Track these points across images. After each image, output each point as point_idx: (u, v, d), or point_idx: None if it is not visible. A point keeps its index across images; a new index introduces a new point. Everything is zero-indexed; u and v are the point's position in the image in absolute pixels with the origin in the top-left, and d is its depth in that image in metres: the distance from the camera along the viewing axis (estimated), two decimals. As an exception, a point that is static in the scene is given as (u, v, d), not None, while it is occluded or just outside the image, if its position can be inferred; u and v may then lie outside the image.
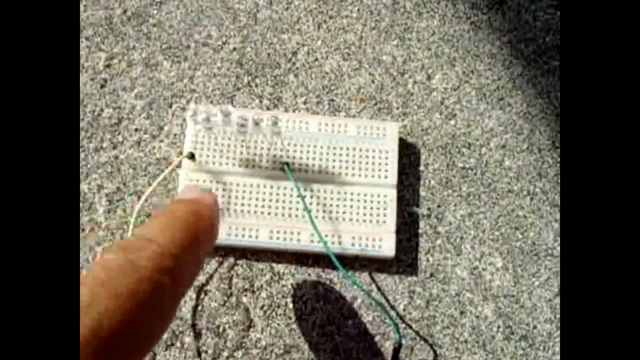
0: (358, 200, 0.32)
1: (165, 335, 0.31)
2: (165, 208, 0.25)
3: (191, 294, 0.32)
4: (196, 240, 0.24)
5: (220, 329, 0.31)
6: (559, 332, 0.32)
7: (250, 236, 0.32)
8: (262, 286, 0.32)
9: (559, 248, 0.34)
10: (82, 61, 0.36)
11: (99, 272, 0.20)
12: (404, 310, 0.32)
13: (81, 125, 0.34)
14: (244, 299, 0.32)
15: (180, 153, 0.34)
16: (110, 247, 0.22)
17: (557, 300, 0.33)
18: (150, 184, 0.34)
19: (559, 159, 0.35)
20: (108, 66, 0.36)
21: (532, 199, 0.34)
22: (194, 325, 0.31)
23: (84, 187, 0.33)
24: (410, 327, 0.32)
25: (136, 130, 0.35)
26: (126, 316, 0.19)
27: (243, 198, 0.32)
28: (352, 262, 0.33)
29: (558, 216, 0.34)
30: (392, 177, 0.33)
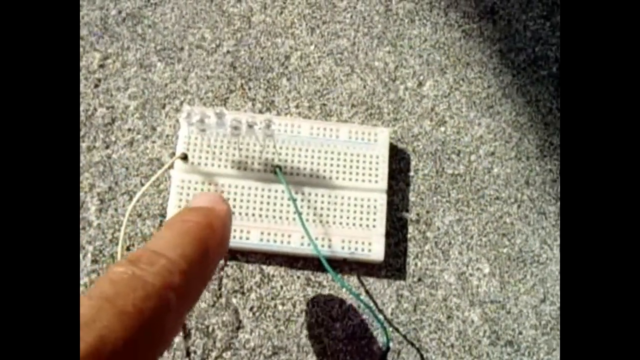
0: (348, 204, 0.33)
1: (154, 335, 0.31)
2: (177, 217, 0.24)
3: (181, 294, 0.32)
4: (206, 255, 0.23)
5: (210, 330, 0.32)
6: (544, 338, 0.33)
7: (241, 237, 0.32)
8: (251, 288, 0.32)
9: (544, 255, 0.34)
10: (76, 60, 0.36)
11: (106, 286, 0.20)
12: (392, 314, 0.33)
13: (74, 124, 0.34)
14: (234, 300, 0.32)
15: (173, 154, 0.34)
16: (120, 261, 0.21)
17: (543, 307, 0.33)
18: (142, 184, 0.34)
19: (548, 167, 0.36)
20: (102, 66, 0.36)
21: (519, 206, 0.35)
22: (183, 326, 0.32)
23: (75, 186, 0.33)
24: (398, 331, 0.32)
25: (129, 130, 0.35)
26: (129, 333, 0.19)
27: (235, 200, 0.32)
28: (341, 266, 0.33)
29: (545, 223, 0.35)
30: (383, 182, 0.33)
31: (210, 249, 0.23)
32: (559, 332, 0.33)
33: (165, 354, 0.31)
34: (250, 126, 0.31)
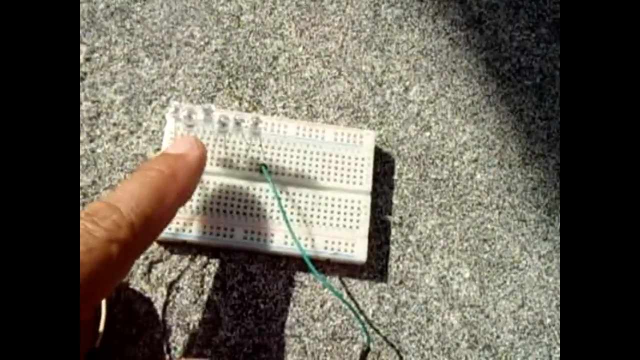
0: (332, 205, 0.33)
1: (134, 330, 0.31)
2: (143, 166, 0.28)
3: (162, 290, 0.32)
4: (162, 204, 0.26)
5: (190, 326, 0.32)
6: (521, 343, 0.33)
7: (224, 235, 0.32)
8: (233, 286, 0.32)
9: (524, 262, 0.34)
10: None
11: None
12: (373, 315, 0.33)
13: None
14: (215, 298, 0.32)
15: (158, 150, 0.34)
16: (84, 208, 0.25)
17: (521, 312, 0.34)
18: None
19: (530, 174, 0.36)
20: (88, 60, 0.36)
21: (500, 212, 0.35)
22: (164, 322, 0.32)
23: (59, 178, 0.33)
24: (378, 332, 0.33)
25: (114, 124, 0.35)
26: None
27: (219, 197, 0.32)
28: (324, 266, 0.33)
29: (525, 230, 0.35)
30: (367, 184, 0.34)
31: (167, 199, 0.26)
32: (536, 337, 0.33)
33: (146, 349, 0.31)
34: (237, 124, 0.31)
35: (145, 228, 0.26)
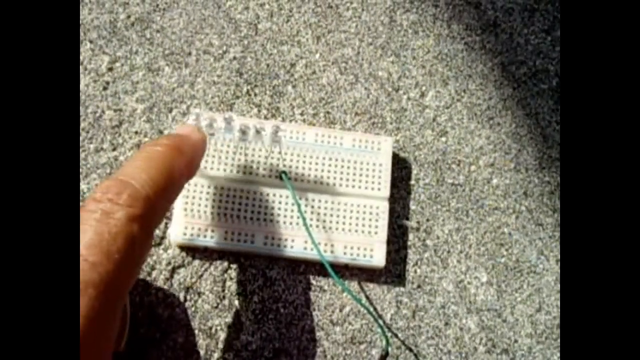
0: (351, 211, 0.33)
1: (157, 335, 0.32)
2: (148, 143, 0.27)
3: (184, 295, 0.33)
4: (171, 176, 0.26)
5: (212, 331, 0.32)
6: (539, 347, 0.33)
7: (245, 241, 0.33)
8: (254, 290, 0.33)
9: (541, 265, 0.35)
10: (85, 63, 0.36)
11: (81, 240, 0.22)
12: (391, 319, 0.33)
13: (82, 126, 0.35)
14: (236, 302, 0.33)
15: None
16: (91, 194, 0.24)
17: (538, 316, 0.34)
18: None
19: (546, 178, 0.36)
20: (110, 69, 0.36)
21: (517, 217, 0.36)
22: (186, 326, 0.32)
23: (83, 186, 0.34)
24: (396, 336, 0.33)
25: (136, 133, 0.35)
26: (104, 278, 0.22)
27: (240, 204, 0.33)
28: (342, 271, 0.34)
29: (542, 234, 0.35)
30: (385, 189, 0.34)
31: (175, 171, 0.26)
32: (554, 342, 0.34)
33: (169, 353, 0.32)
34: (258, 132, 0.32)
35: (159, 201, 0.25)
